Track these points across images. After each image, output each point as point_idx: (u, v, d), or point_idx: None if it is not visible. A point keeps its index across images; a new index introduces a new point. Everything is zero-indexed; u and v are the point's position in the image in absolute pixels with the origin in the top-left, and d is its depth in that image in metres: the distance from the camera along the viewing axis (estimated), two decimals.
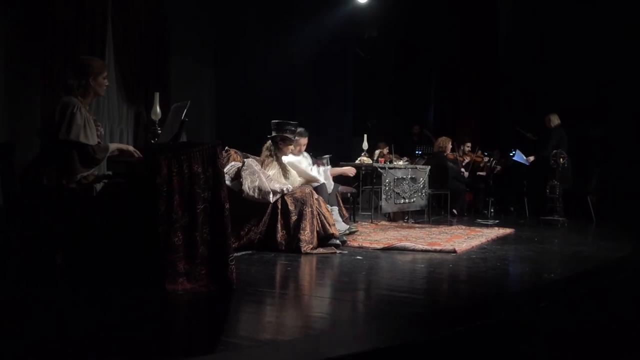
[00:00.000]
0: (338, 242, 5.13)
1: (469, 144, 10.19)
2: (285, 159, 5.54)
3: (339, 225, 5.53)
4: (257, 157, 5.56)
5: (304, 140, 6.15)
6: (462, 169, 9.69)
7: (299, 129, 5.90)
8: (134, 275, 3.26)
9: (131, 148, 3.78)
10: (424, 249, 5.11)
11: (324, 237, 5.08)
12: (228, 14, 9.68)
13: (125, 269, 3.28)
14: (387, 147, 9.33)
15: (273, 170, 5.35)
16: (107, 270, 3.30)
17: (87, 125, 3.52)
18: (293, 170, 5.53)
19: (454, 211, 8.86)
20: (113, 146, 3.74)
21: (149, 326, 2.69)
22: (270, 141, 5.51)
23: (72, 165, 3.47)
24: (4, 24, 6.48)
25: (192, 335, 2.61)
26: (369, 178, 7.94)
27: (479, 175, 9.99)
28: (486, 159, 10.05)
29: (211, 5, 9.47)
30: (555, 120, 8.76)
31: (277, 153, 5.47)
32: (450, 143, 9.08)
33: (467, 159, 9.99)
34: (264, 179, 5.09)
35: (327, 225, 5.11)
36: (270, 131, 5.53)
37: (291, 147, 5.63)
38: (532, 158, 9.23)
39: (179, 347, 2.47)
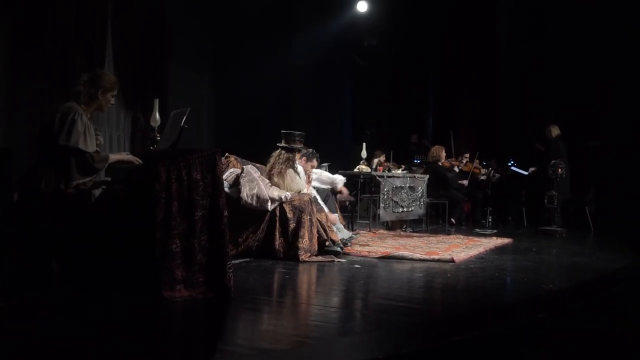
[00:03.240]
0: (338, 248, 5.13)
1: (467, 155, 10.21)
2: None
3: (342, 233, 5.54)
4: (257, 165, 5.56)
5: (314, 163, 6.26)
6: (462, 181, 9.65)
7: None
8: (131, 282, 3.24)
9: (132, 157, 3.75)
10: (422, 258, 5.10)
11: (324, 241, 5.11)
12: (227, 22, 9.69)
13: (123, 275, 3.26)
14: (386, 156, 9.33)
15: (297, 178, 5.44)
16: (104, 277, 3.28)
17: (87, 132, 3.51)
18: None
19: (452, 220, 8.85)
20: (113, 157, 3.71)
21: (145, 333, 2.67)
22: (284, 151, 5.50)
23: (68, 171, 3.46)
24: (3, 30, 6.48)
25: (189, 343, 2.59)
26: (368, 186, 7.94)
27: (477, 184, 9.98)
28: (484, 170, 10.05)
29: (210, 13, 9.49)
30: (555, 131, 8.82)
31: (293, 162, 5.54)
32: (443, 151, 9.08)
33: (460, 166, 9.95)
34: (262, 187, 5.08)
35: (327, 231, 5.13)
36: (281, 141, 5.58)
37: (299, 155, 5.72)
38: (533, 169, 9.29)
39: (175, 354, 2.46)
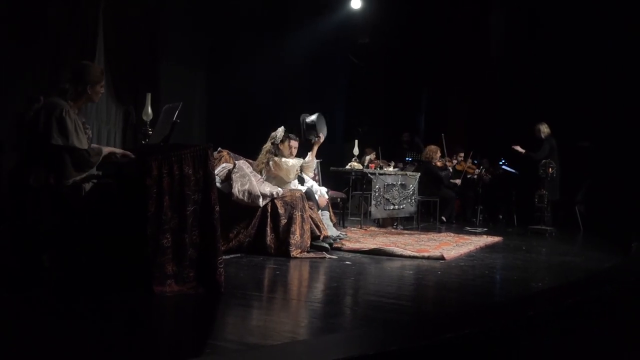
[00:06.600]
0: (326, 245, 5.14)
1: (461, 154, 10.24)
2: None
3: (330, 230, 5.54)
4: (250, 160, 5.55)
5: (295, 144, 6.15)
6: (455, 180, 9.68)
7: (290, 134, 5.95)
8: (122, 277, 3.23)
9: (126, 152, 3.71)
10: (412, 255, 5.12)
11: (317, 237, 5.14)
12: (221, 18, 9.66)
13: (113, 270, 3.25)
14: (376, 154, 9.35)
15: (293, 161, 5.48)
16: (95, 272, 3.27)
17: (78, 128, 3.46)
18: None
19: (443, 218, 8.89)
20: (106, 150, 3.66)
21: (135, 328, 2.67)
22: (270, 144, 5.53)
23: (65, 170, 3.42)
24: None
25: (179, 338, 2.59)
26: (359, 183, 7.95)
27: (469, 183, 10.02)
28: (477, 170, 10.09)
29: (204, 10, 9.45)
30: (545, 129, 8.81)
31: (277, 154, 5.55)
32: (438, 153, 9.10)
33: (452, 165, 9.97)
34: (254, 183, 5.08)
35: (318, 227, 5.14)
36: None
37: (289, 146, 5.67)
38: (518, 147, 8.85)
39: (165, 349, 2.46)
